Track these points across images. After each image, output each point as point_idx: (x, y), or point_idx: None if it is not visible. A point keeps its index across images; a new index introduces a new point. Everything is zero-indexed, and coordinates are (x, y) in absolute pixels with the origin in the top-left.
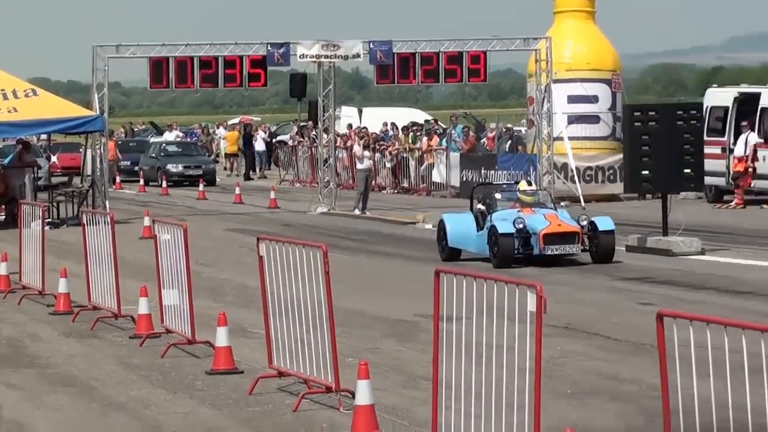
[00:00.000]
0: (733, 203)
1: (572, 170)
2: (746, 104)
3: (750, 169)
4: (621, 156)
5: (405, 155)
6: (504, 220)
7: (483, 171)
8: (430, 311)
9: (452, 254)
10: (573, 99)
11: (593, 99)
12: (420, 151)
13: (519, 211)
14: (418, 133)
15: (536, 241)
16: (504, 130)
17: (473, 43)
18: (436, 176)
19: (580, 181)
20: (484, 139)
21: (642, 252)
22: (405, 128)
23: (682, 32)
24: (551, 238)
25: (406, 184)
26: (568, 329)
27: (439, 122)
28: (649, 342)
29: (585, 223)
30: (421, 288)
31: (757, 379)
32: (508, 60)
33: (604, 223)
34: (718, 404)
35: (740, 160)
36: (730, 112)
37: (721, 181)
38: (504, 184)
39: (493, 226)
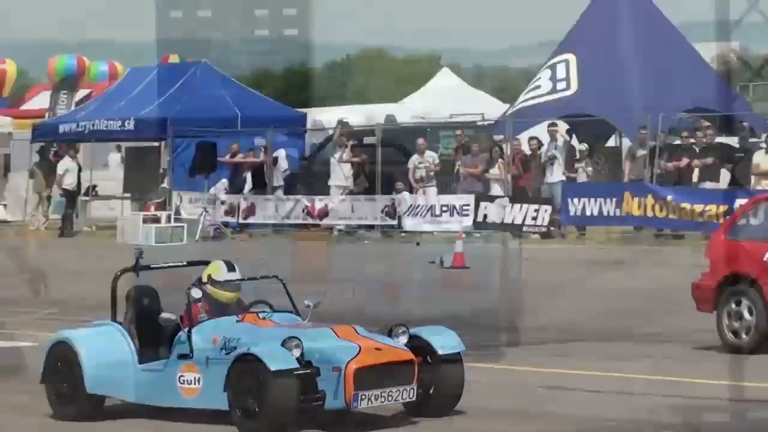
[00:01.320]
0: None
1: None
2: None
3: None
4: None
5: None
6: (258, 343)
7: None
8: None
9: (90, 405)
10: None
11: None
12: None
13: (240, 320)
14: None
15: (337, 383)
16: None
17: None
18: None
19: None
20: None
21: None
22: None
23: None
24: (369, 377)
25: None
26: None
27: None
28: None
29: (405, 339)
30: None
31: None
32: None
33: (442, 341)
34: None
35: None
36: None
37: None
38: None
39: (249, 357)
